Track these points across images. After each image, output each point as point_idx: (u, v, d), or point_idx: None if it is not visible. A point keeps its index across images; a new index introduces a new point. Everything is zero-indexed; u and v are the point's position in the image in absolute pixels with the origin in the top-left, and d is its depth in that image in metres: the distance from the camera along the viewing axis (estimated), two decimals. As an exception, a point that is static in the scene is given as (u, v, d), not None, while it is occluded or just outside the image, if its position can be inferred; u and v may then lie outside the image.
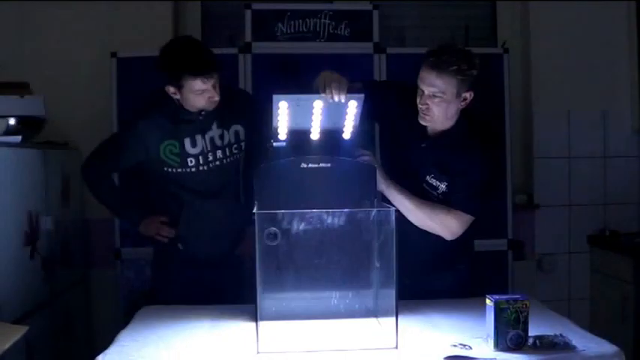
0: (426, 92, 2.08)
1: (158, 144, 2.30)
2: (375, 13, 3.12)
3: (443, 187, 2.19)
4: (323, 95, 1.99)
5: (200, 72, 2.17)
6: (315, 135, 2.10)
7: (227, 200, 2.45)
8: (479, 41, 3.54)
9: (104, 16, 3.30)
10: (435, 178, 2.19)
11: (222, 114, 2.35)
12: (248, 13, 3.08)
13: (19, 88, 2.68)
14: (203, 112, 2.30)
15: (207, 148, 2.34)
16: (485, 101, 3.07)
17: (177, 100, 2.27)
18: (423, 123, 2.16)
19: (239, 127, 2.41)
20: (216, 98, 2.24)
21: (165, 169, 2.33)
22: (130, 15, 3.30)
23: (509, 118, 3.16)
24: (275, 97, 1.97)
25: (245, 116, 2.43)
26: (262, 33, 3.09)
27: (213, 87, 2.22)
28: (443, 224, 2.15)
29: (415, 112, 2.16)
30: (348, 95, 2.00)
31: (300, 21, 3.10)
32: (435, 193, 2.20)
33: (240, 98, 2.51)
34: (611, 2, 3.57)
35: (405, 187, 2.16)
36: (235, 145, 2.41)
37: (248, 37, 3.08)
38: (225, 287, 2.51)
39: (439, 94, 2.06)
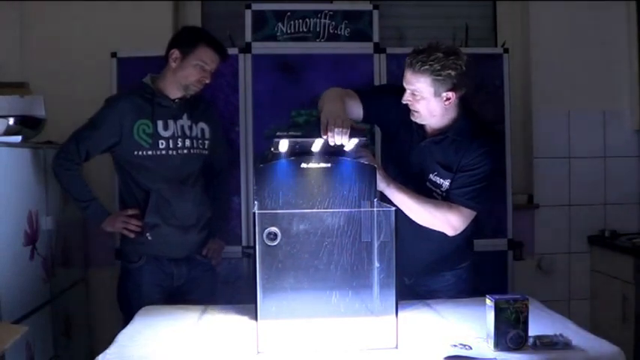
0: (406, 90, 2.16)
1: (132, 122, 2.43)
2: (375, 13, 3.12)
3: (446, 184, 2.20)
4: (324, 137, 1.97)
5: (216, 46, 2.45)
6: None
7: (193, 189, 2.53)
8: (479, 41, 3.54)
9: (104, 16, 3.30)
10: (438, 176, 2.21)
11: (192, 108, 2.53)
12: (248, 13, 3.08)
13: (19, 88, 2.68)
14: (177, 100, 2.48)
15: (177, 133, 2.48)
16: (485, 101, 3.11)
17: (164, 75, 2.48)
18: (413, 119, 2.22)
19: (205, 126, 2.57)
20: (207, 81, 2.47)
21: (136, 152, 2.44)
22: (130, 15, 3.30)
23: (509, 118, 3.16)
24: (275, 140, 1.97)
25: (210, 118, 2.61)
26: (262, 33, 3.09)
27: (210, 72, 2.46)
28: (445, 220, 2.16)
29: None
30: (351, 140, 1.99)
31: (300, 21, 3.10)
32: (438, 190, 2.22)
33: (206, 102, 2.67)
34: (611, 2, 3.57)
35: (408, 186, 2.17)
36: (200, 141, 2.55)
37: (248, 37, 3.08)
38: (195, 287, 2.55)
39: (417, 93, 2.13)
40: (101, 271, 3.27)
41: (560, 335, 1.74)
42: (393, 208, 1.81)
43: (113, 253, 3.07)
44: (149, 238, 2.48)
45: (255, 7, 3.09)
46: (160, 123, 2.45)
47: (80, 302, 3.16)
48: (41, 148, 2.68)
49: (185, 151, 2.49)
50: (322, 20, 3.10)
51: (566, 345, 1.71)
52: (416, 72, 2.09)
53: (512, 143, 3.17)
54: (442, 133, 2.21)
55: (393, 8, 3.57)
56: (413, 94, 2.14)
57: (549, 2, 3.53)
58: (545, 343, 1.72)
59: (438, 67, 2.07)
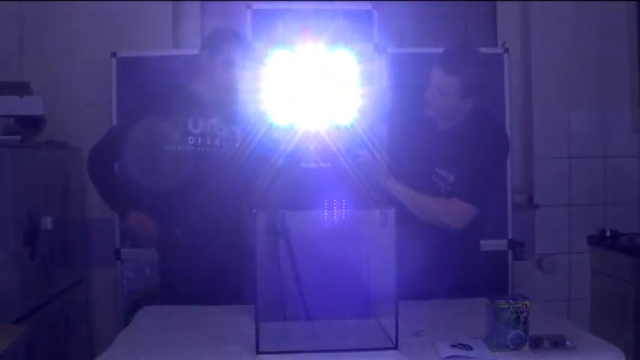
0: (435, 88, 2.19)
1: (164, 118, 2.41)
2: (375, 13, 3.12)
3: (451, 178, 2.23)
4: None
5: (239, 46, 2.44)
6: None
7: (221, 185, 2.48)
8: (479, 41, 3.54)
9: (104, 16, 3.30)
10: (444, 169, 2.24)
11: (225, 111, 2.49)
12: (248, 13, 3.08)
13: (19, 88, 2.68)
14: (209, 100, 2.47)
15: (207, 131, 2.48)
16: (485, 101, 3.10)
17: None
18: (429, 113, 2.26)
19: (237, 129, 2.52)
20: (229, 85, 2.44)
21: (166, 147, 2.42)
22: (130, 15, 3.30)
23: (509, 118, 3.16)
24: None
25: (244, 121, 2.52)
26: (262, 33, 3.09)
27: (233, 73, 2.43)
28: (448, 215, 2.19)
29: (420, 107, 2.25)
30: None
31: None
32: (443, 184, 2.25)
33: (242, 105, 2.59)
34: (611, 2, 3.57)
35: (414, 178, 2.20)
36: (231, 143, 2.51)
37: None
38: (230, 284, 2.54)
39: (444, 91, 2.17)
40: (101, 271, 3.27)
41: (560, 336, 1.74)
42: (393, 209, 1.81)
43: (113, 253, 3.07)
44: (178, 232, 2.47)
45: (255, 6, 3.09)
46: (190, 120, 2.45)
47: (80, 302, 3.16)
48: (41, 148, 2.68)
49: (214, 149, 2.48)
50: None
51: (566, 345, 1.71)
52: (448, 73, 2.15)
53: (512, 143, 3.17)
54: (452, 128, 2.25)
55: (393, 8, 3.57)
56: (439, 91, 2.19)
57: (549, 2, 3.53)
58: (545, 343, 1.72)
59: (470, 71, 2.16)
